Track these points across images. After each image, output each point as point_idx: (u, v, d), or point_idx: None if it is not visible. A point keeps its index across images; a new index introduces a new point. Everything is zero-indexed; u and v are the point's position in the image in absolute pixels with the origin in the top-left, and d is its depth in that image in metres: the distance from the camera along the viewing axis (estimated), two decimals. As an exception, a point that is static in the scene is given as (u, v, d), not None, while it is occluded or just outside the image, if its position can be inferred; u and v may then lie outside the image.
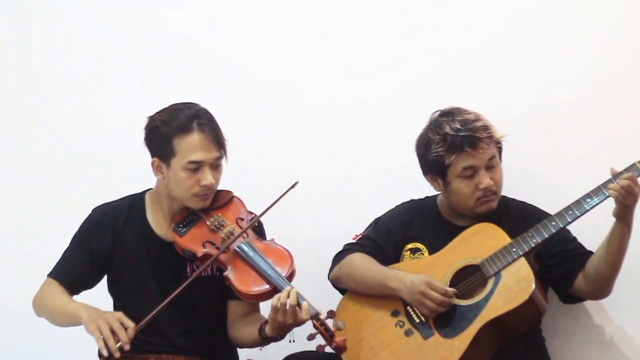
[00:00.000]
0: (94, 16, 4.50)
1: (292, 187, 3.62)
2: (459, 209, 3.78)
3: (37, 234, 4.40)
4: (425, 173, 3.82)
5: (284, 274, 3.56)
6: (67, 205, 4.31)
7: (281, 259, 3.61)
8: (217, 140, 3.64)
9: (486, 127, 3.71)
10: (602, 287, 3.67)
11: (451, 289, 3.62)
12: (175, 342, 3.74)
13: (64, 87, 4.51)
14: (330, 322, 3.55)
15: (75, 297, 3.78)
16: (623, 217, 3.53)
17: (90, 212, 3.83)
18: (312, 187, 4.22)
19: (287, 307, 3.45)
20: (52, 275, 3.78)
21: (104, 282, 3.84)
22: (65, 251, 3.81)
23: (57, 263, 3.80)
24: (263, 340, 3.63)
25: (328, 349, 3.56)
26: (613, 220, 3.55)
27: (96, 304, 3.75)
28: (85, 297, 3.83)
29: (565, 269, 3.70)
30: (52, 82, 4.52)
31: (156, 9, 4.46)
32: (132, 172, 3.98)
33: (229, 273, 3.59)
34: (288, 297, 3.46)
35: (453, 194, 3.75)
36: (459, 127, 3.69)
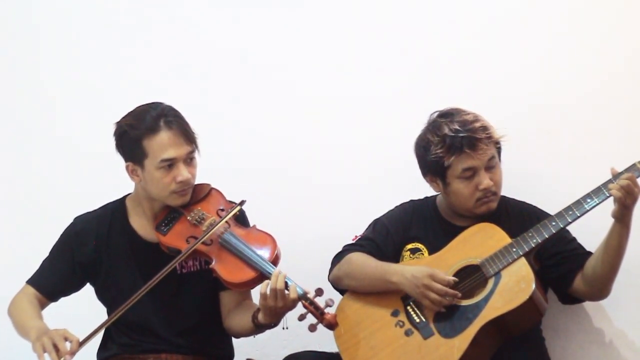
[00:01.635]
0: (97, 15, 4.52)
1: (240, 205, 3.65)
2: (458, 210, 3.78)
3: (38, 234, 4.37)
4: (424, 174, 3.82)
5: (268, 258, 3.57)
6: (68, 205, 4.28)
7: (264, 244, 3.62)
8: (186, 135, 3.65)
9: (485, 128, 3.70)
10: (600, 288, 3.67)
11: (453, 277, 3.61)
12: (173, 341, 3.75)
13: (66, 87, 4.52)
14: (319, 301, 3.53)
15: (63, 300, 3.84)
16: (622, 217, 3.52)
17: (71, 222, 3.85)
18: (311, 187, 4.24)
19: (275, 292, 3.46)
20: (30, 282, 3.81)
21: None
22: (44, 260, 3.83)
23: (37, 271, 3.82)
24: (257, 327, 3.63)
25: (320, 327, 3.55)
26: (610, 221, 3.55)
27: (90, 311, 3.83)
28: (80, 304, 3.89)
29: (564, 269, 3.70)
30: (54, 82, 4.53)
31: (158, 11, 4.47)
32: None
33: (215, 265, 3.60)
34: (276, 280, 3.47)
35: (453, 195, 3.75)
36: (457, 128, 3.68)
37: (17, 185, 4.53)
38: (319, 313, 3.50)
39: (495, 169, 3.74)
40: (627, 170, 3.52)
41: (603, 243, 3.60)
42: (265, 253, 3.58)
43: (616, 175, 3.51)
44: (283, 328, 3.57)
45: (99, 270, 3.78)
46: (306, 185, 4.25)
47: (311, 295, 3.51)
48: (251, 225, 3.75)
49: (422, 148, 3.77)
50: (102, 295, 3.83)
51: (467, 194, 3.72)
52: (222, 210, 3.72)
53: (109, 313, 3.82)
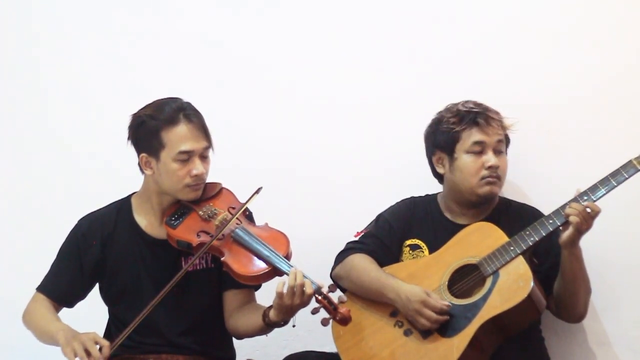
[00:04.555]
0: (95, 15, 4.52)
1: (256, 192, 3.62)
2: (461, 190, 3.77)
3: (38, 234, 4.41)
4: (432, 153, 3.83)
5: (281, 254, 3.55)
6: (67, 205, 4.31)
7: (277, 240, 3.61)
8: (204, 130, 3.67)
9: (497, 112, 3.77)
10: (567, 312, 3.71)
11: (446, 303, 3.61)
12: (175, 341, 3.74)
13: (64, 87, 4.52)
14: (332, 296, 3.51)
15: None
16: (571, 243, 3.55)
17: (76, 222, 3.83)
18: (312, 187, 4.24)
19: (295, 288, 3.45)
20: (40, 289, 3.79)
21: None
22: (52, 264, 3.81)
23: (45, 277, 3.81)
24: (267, 326, 3.62)
25: (332, 322, 3.55)
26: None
27: (93, 311, 3.83)
28: (82, 304, 3.85)
29: (546, 279, 3.69)
30: (53, 82, 4.54)
31: (156, 8, 4.47)
32: (133, 172, 3.98)
33: (227, 258, 3.58)
34: (295, 277, 3.45)
35: (458, 171, 3.76)
36: (472, 106, 3.77)
37: (17, 187, 4.54)
38: (332, 308, 3.48)
39: (502, 155, 3.77)
40: (623, 167, 3.52)
41: (560, 269, 3.62)
42: (278, 248, 3.57)
43: (580, 195, 3.55)
44: (293, 325, 3.55)
45: (104, 267, 3.77)
46: (309, 183, 4.25)
47: (325, 290, 3.49)
48: (263, 223, 3.74)
49: (435, 124, 3.82)
50: (105, 293, 3.82)
51: (473, 170, 3.72)
52: (233, 208, 3.71)
53: (110, 311, 3.82)
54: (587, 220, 3.51)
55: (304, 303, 3.49)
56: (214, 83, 4.38)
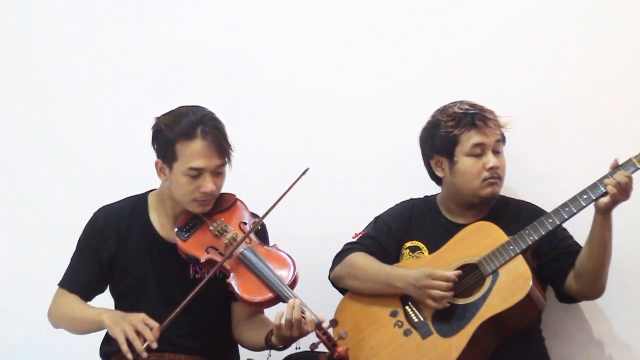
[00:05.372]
0: (97, 15, 4.52)
1: (303, 173, 3.60)
2: (463, 193, 3.76)
3: (37, 234, 4.40)
4: (430, 157, 3.82)
5: (286, 282, 3.54)
6: (67, 205, 4.31)
7: (284, 266, 3.59)
8: (219, 147, 3.62)
9: (492, 112, 3.77)
10: (590, 286, 3.64)
11: (454, 272, 3.61)
12: (176, 342, 3.72)
13: (67, 88, 4.52)
14: (332, 331, 3.52)
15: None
16: (607, 210, 3.53)
17: (92, 214, 3.81)
18: (311, 186, 4.20)
19: (292, 322, 3.44)
20: (62, 285, 3.78)
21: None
22: (72, 258, 3.80)
23: (66, 272, 3.79)
24: (270, 348, 3.61)
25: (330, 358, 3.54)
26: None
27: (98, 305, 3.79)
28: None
29: (557, 266, 3.69)
30: (54, 82, 4.53)
31: (160, 10, 4.47)
32: (135, 173, 4.00)
33: (232, 280, 3.56)
34: (292, 311, 3.44)
35: (459, 175, 3.75)
36: (467, 107, 3.75)
37: (16, 188, 4.53)
38: (331, 344, 3.47)
39: (501, 155, 3.77)
40: (622, 165, 3.52)
41: (588, 238, 3.60)
42: (284, 275, 3.55)
43: (613, 171, 3.52)
44: (296, 348, 3.55)
45: (116, 262, 3.76)
46: (305, 184, 4.23)
47: (325, 324, 3.49)
48: (272, 244, 3.72)
49: (432, 127, 3.79)
50: (114, 288, 3.81)
51: (474, 172, 3.72)
52: (245, 223, 3.69)
53: (116, 306, 3.79)
54: (625, 190, 3.48)
55: (303, 335, 3.48)
56: (212, 83, 4.37)
